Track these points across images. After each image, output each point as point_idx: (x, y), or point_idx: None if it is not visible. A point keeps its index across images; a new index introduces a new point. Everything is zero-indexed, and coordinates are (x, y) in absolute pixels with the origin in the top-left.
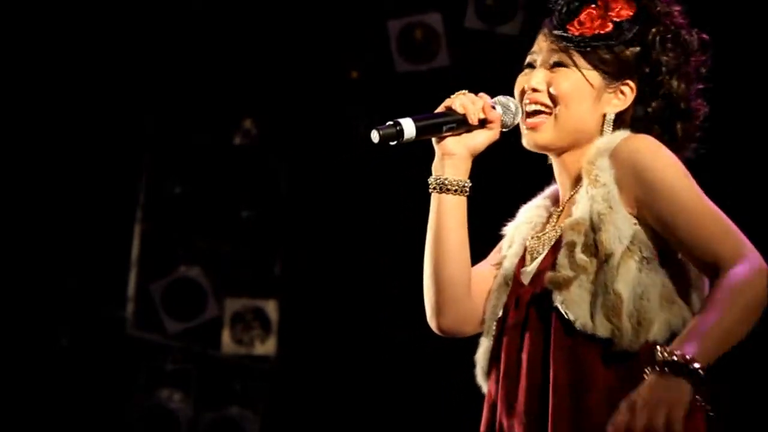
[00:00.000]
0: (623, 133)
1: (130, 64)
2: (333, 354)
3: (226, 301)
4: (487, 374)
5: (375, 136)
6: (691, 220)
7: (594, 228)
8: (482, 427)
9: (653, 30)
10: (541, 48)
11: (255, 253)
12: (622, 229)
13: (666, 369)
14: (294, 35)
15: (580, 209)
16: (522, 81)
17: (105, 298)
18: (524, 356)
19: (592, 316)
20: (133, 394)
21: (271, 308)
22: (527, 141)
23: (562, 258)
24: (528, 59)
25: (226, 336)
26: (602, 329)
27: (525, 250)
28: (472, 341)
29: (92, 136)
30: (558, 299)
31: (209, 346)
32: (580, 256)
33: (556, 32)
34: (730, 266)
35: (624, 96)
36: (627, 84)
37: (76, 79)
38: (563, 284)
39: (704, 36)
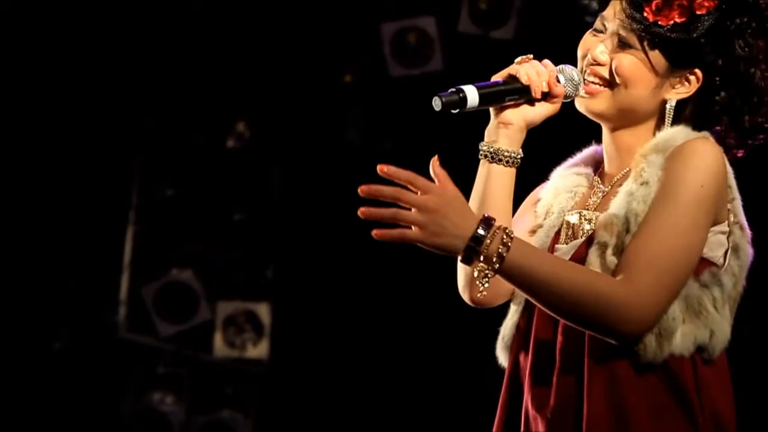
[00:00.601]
0: (686, 131)
1: (123, 67)
2: (326, 357)
3: (218, 304)
4: (509, 347)
5: (437, 103)
6: (658, 227)
7: (628, 228)
8: (501, 403)
9: (737, 20)
10: (613, 17)
11: (247, 256)
12: None
13: (480, 224)
14: (288, 38)
15: (617, 205)
16: (588, 43)
17: (97, 301)
18: (558, 347)
19: None
20: (125, 397)
21: (263, 311)
22: (582, 105)
23: (593, 257)
24: (598, 22)
25: (218, 339)
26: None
27: (562, 223)
28: (464, 354)
29: (84, 138)
30: None
31: (201, 350)
32: (611, 258)
33: (630, 11)
34: (627, 284)
35: (688, 84)
36: (694, 73)
37: (69, 81)
38: None
39: None
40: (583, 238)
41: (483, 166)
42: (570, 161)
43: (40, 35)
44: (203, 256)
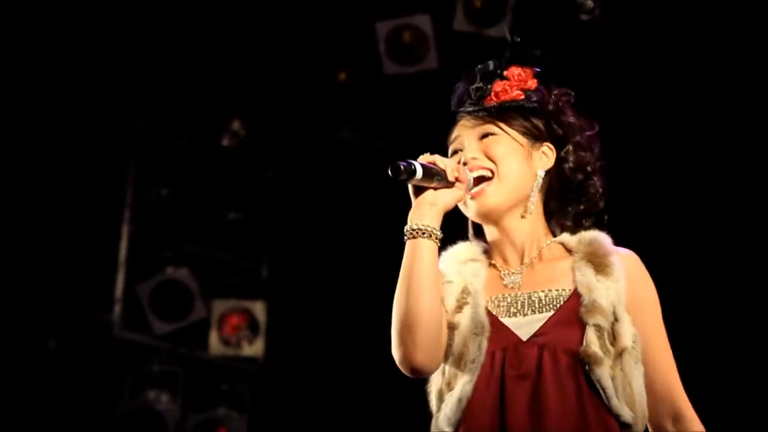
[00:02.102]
0: (608, 239)
1: (118, 66)
2: (320, 355)
3: (213, 302)
4: (457, 422)
5: (391, 170)
6: (669, 364)
7: (614, 317)
8: None
9: (553, 101)
10: (462, 131)
11: (242, 254)
12: (629, 327)
13: None
14: (282, 37)
15: (602, 297)
16: (456, 159)
17: (92, 299)
18: (548, 412)
19: (618, 400)
20: (121, 395)
21: (258, 310)
22: (476, 208)
23: (592, 336)
24: (452, 147)
25: (213, 337)
26: (627, 415)
27: (488, 301)
28: None
29: (79, 137)
30: (596, 373)
31: (197, 348)
32: (607, 342)
33: (475, 109)
34: (691, 418)
35: (547, 157)
36: (546, 145)
37: (63, 81)
38: (598, 361)
39: (593, 122)
40: (549, 313)
41: (411, 245)
42: (454, 251)
43: (36, 34)
44: (198, 254)
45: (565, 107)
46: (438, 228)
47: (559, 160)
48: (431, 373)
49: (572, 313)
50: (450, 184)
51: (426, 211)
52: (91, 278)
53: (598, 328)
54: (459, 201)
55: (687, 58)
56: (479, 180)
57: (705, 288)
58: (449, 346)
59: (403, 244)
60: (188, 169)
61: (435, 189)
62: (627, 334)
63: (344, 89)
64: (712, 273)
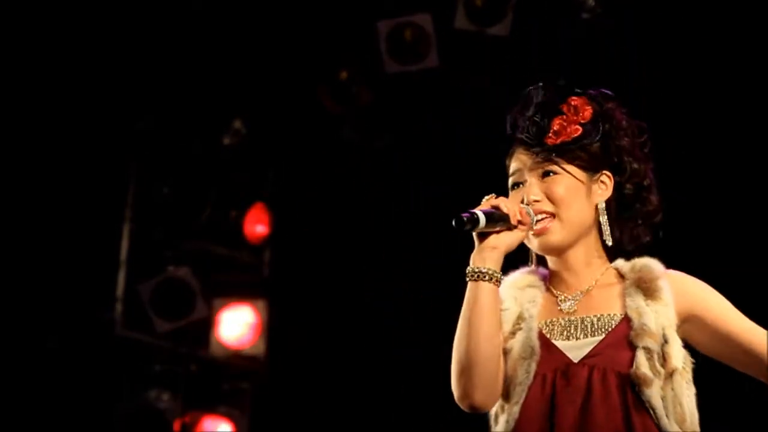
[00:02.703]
0: (659, 263)
1: (119, 65)
2: (322, 354)
3: (214, 301)
4: None
5: (456, 223)
6: (752, 332)
7: (663, 339)
8: None
9: (608, 125)
10: (524, 165)
11: (244, 253)
12: (679, 349)
13: None
14: (283, 36)
15: (651, 320)
16: (517, 198)
17: (94, 298)
18: (594, 427)
19: (667, 419)
20: (122, 394)
21: (260, 308)
22: (539, 244)
23: (642, 358)
24: (513, 179)
25: (214, 335)
26: None
27: (541, 325)
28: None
29: (80, 137)
30: (646, 394)
31: (198, 346)
32: (657, 363)
33: (536, 148)
34: None
35: (605, 185)
36: (604, 174)
37: (65, 80)
38: (648, 382)
39: (642, 123)
40: (600, 336)
41: (474, 286)
42: (513, 279)
43: (36, 33)
44: (199, 253)
45: (618, 125)
46: (499, 270)
47: (617, 185)
48: (489, 409)
49: (622, 336)
50: (513, 227)
51: (488, 254)
52: (92, 277)
53: (648, 350)
54: (521, 241)
55: (687, 57)
56: (541, 220)
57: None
58: (504, 371)
59: (403, 247)
60: (189, 168)
61: (498, 233)
62: (677, 355)
63: (345, 88)
64: (711, 274)
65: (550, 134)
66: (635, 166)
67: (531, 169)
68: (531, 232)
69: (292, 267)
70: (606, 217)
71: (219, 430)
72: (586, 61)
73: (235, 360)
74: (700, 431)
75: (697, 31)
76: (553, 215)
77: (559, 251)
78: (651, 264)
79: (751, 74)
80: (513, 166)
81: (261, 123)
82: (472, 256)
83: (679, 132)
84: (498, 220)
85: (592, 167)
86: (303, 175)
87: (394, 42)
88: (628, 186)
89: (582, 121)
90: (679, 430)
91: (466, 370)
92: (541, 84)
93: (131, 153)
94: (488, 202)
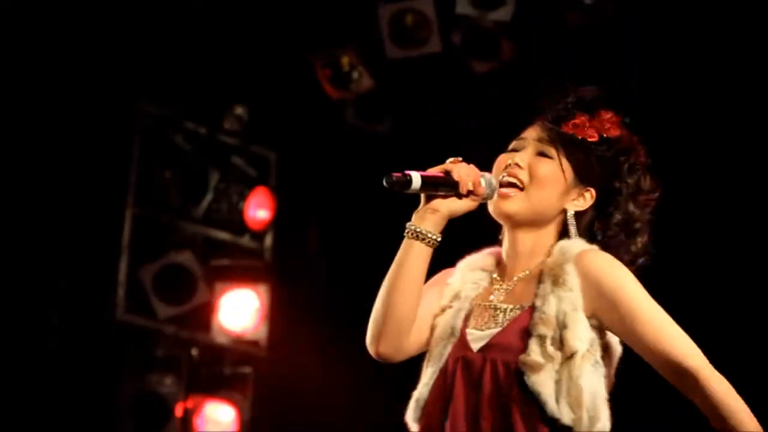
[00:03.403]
0: (583, 244)
1: (121, 49)
2: (323, 338)
3: (216, 286)
4: (418, 419)
5: (386, 181)
6: (657, 334)
7: (560, 325)
8: None
9: (625, 156)
10: (530, 136)
11: (246, 238)
12: (584, 332)
13: None
14: (285, 21)
15: (551, 307)
16: (505, 157)
17: (95, 283)
18: (483, 422)
19: (557, 403)
20: (124, 379)
21: (262, 293)
22: (494, 207)
23: (534, 345)
24: (513, 144)
25: (216, 320)
26: (566, 417)
27: (470, 309)
28: None
29: (82, 121)
30: (531, 380)
31: (200, 331)
32: (550, 348)
33: (549, 125)
34: (706, 374)
35: (584, 200)
36: (589, 190)
37: (67, 64)
38: (536, 368)
39: (657, 180)
40: (501, 327)
41: (407, 243)
42: (474, 257)
43: (39, 15)
44: (201, 238)
45: (636, 167)
46: (436, 233)
47: (605, 209)
48: (394, 361)
49: (522, 326)
50: (461, 195)
51: (428, 215)
52: (94, 262)
53: (541, 337)
54: (470, 210)
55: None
56: (511, 185)
57: (704, 288)
58: (429, 342)
59: (403, 229)
60: (191, 153)
61: (444, 197)
62: (580, 338)
63: (346, 74)
64: (711, 273)
65: (570, 123)
66: (631, 205)
67: (534, 142)
68: (495, 196)
69: (293, 252)
70: (570, 223)
71: (221, 414)
72: (588, 47)
73: (237, 344)
74: (607, 409)
75: (696, 30)
76: (521, 189)
77: (510, 222)
78: (566, 247)
79: (751, 73)
80: (523, 134)
81: (263, 108)
82: (414, 213)
83: (679, 131)
84: (444, 185)
85: (583, 176)
86: (305, 160)
87: (396, 27)
88: (615, 217)
89: (603, 134)
90: (572, 414)
91: (377, 320)
92: (593, 87)
93: (134, 137)
94: (444, 165)
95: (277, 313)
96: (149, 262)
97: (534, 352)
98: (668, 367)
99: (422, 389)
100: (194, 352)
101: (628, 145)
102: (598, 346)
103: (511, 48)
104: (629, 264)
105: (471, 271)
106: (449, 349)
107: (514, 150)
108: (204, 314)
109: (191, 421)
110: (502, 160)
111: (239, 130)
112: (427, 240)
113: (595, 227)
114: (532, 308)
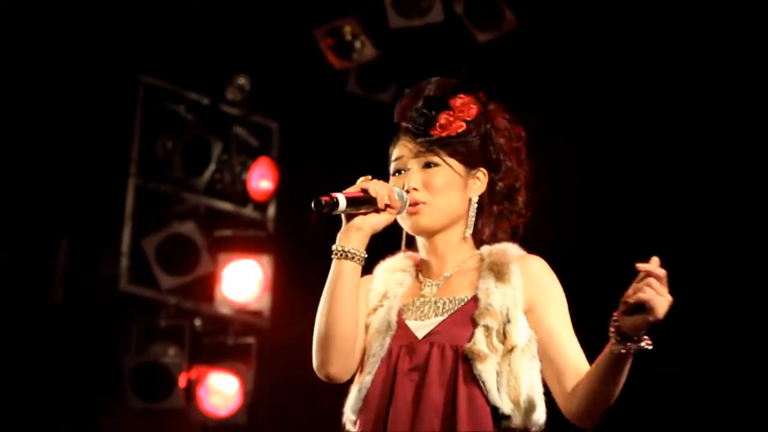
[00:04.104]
0: (518, 249)
1: (123, 20)
2: None
3: (219, 256)
4: (358, 410)
5: (314, 205)
6: (569, 336)
7: (504, 319)
8: None
9: (489, 125)
10: (406, 153)
11: (248, 208)
12: (523, 328)
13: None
14: None
15: (497, 301)
16: (398, 183)
17: (99, 253)
18: (427, 403)
19: (498, 393)
20: (128, 349)
21: (265, 263)
22: (410, 224)
23: (480, 335)
24: (395, 166)
25: (219, 291)
26: (506, 407)
27: (402, 305)
28: None
29: (85, 92)
30: (478, 369)
31: (203, 302)
32: (495, 340)
33: (421, 138)
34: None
35: (480, 181)
36: (480, 170)
37: (70, 36)
38: (482, 357)
39: (521, 129)
40: (446, 316)
41: (337, 264)
42: (391, 260)
43: None
44: (204, 208)
45: (499, 126)
46: (362, 250)
47: (491, 182)
48: (344, 380)
49: (467, 315)
50: (380, 210)
51: (353, 234)
52: (97, 232)
53: (487, 328)
54: (388, 223)
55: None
56: (416, 203)
57: (700, 289)
58: (363, 344)
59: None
60: (194, 124)
61: (364, 214)
62: (520, 333)
63: (349, 44)
64: (708, 273)
65: (437, 127)
66: (509, 164)
67: (414, 158)
68: (404, 212)
69: (296, 222)
70: (474, 211)
71: (224, 384)
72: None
73: (240, 315)
74: (543, 402)
75: (692, 29)
76: (426, 203)
77: (428, 234)
78: (507, 248)
79: (751, 73)
80: (396, 153)
81: (265, 78)
82: (338, 234)
83: (678, 130)
84: (364, 202)
85: (470, 163)
86: (308, 130)
87: None
88: (500, 184)
89: (467, 119)
90: (511, 403)
91: (323, 343)
92: (433, 78)
93: (136, 108)
94: (360, 184)
95: (280, 284)
96: (152, 232)
97: (480, 342)
98: (555, 369)
99: (365, 378)
100: (197, 322)
101: (486, 112)
102: (534, 341)
103: (514, 17)
104: (515, 227)
105: (392, 273)
106: (388, 341)
107: (398, 171)
108: (207, 285)
109: (194, 392)
110: (394, 185)
111: (242, 101)
112: (356, 258)
113: (485, 202)
114: (475, 299)
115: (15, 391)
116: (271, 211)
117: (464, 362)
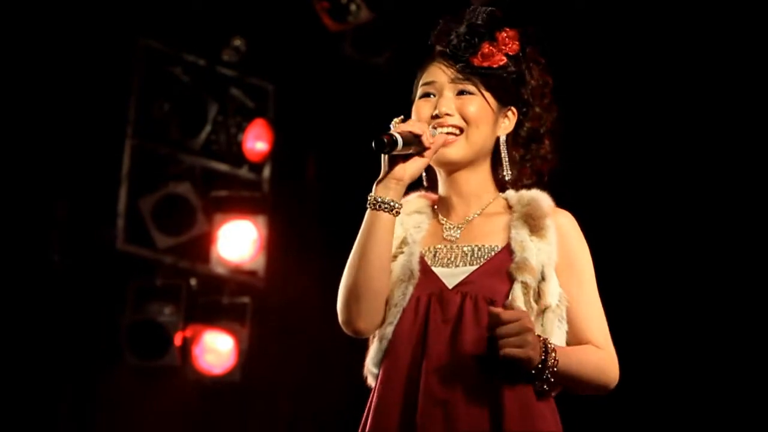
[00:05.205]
0: (547, 197)
1: None
2: (321, 269)
3: (215, 216)
4: (380, 361)
5: (375, 143)
6: (590, 301)
7: (543, 276)
8: (374, 411)
9: (526, 65)
10: (441, 78)
11: (244, 168)
12: (555, 287)
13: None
14: None
15: (533, 257)
16: (426, 107)
17: (95, 213)
18: (463, 355)
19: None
20: (124, 308)
21: (260, 224)
22: (438, 156)
23: (518, 292)
24: (425, 89)
25: (215, 251)
26: None
27: (424, 250)
28: None
29: (81, 53)
30: None
31: (198, 261)
32: (532, 300)
33: (461, 65)
34: (606, 347)
35: (509, 120)
36: (510, 109)
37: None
38: None
39: (550, 77)
40: (477, 266)
41: (372, 215)
42: (407, 201)
43: None
44: (200, 168)
45: (534, 69)
46: (399, 201)
47: (518, 123)
48: (370, 334)
49: (501, 267)
50: (424, 149)
51: (393, 185)
52: (93, 193)
53: (525, 285)
54: (425, 167)
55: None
56: (449, 133)
57: (699, 289)
58: None
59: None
60: (190, 85)
61: (405, 160)
62: (553, 293)
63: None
64: (708, 274)
65: (479, 55)
66: (538, 110)
67: (449, 83)
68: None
69: (291, 183)
70: (506, 151)
71: (219, 343)
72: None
73: (235, 275)
74: None
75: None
76: (461, 131)
77: (455, 167)
78: (539, 199)
79: (752, 73)
80: (428, 76)
81: (261, 40)
82: (376, 185)
83: (678, 130)
84: (411, 142)
85: (503, 99)
86: (303, 92)
87: None
88: (526, 125)
89: (509, 53)
90: None
91: (353, 299)
92: (480, 6)
93: (133, 69)
94: (399, 125)
95: (275, 244)
96: (148, 193)
97: (519, 299)
98: (578, 333)
99: (386, 329)
100: (193, 282)
101: (527, 52)
102: (565, 302)
103: None
104: (540, 172)
105: (408, 216)
106: (411, 290)
107: (427, 95)
108: (203, 245)
109: (190, 350)
110: (422, 108)
111: (238, 62)
112: (394, 210)
113: (509, 144)
114: (508, 250)
115: (12, 351)
116: (267, 172)
117: None
